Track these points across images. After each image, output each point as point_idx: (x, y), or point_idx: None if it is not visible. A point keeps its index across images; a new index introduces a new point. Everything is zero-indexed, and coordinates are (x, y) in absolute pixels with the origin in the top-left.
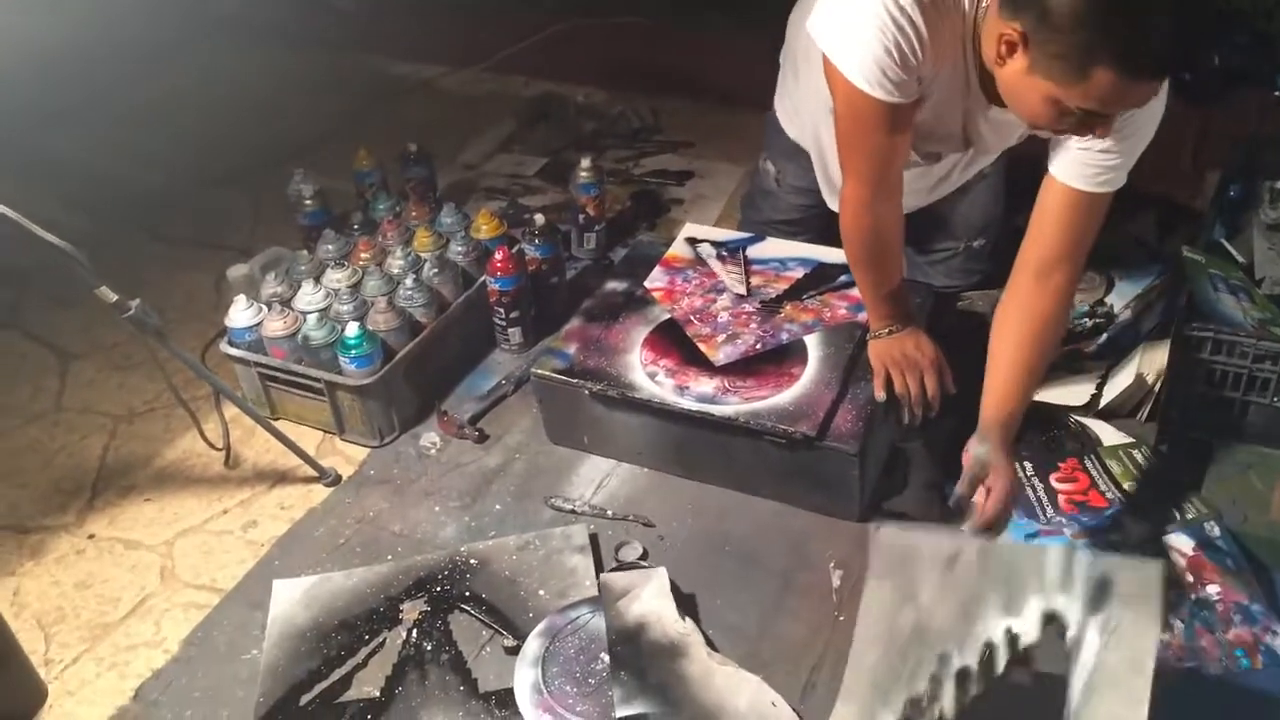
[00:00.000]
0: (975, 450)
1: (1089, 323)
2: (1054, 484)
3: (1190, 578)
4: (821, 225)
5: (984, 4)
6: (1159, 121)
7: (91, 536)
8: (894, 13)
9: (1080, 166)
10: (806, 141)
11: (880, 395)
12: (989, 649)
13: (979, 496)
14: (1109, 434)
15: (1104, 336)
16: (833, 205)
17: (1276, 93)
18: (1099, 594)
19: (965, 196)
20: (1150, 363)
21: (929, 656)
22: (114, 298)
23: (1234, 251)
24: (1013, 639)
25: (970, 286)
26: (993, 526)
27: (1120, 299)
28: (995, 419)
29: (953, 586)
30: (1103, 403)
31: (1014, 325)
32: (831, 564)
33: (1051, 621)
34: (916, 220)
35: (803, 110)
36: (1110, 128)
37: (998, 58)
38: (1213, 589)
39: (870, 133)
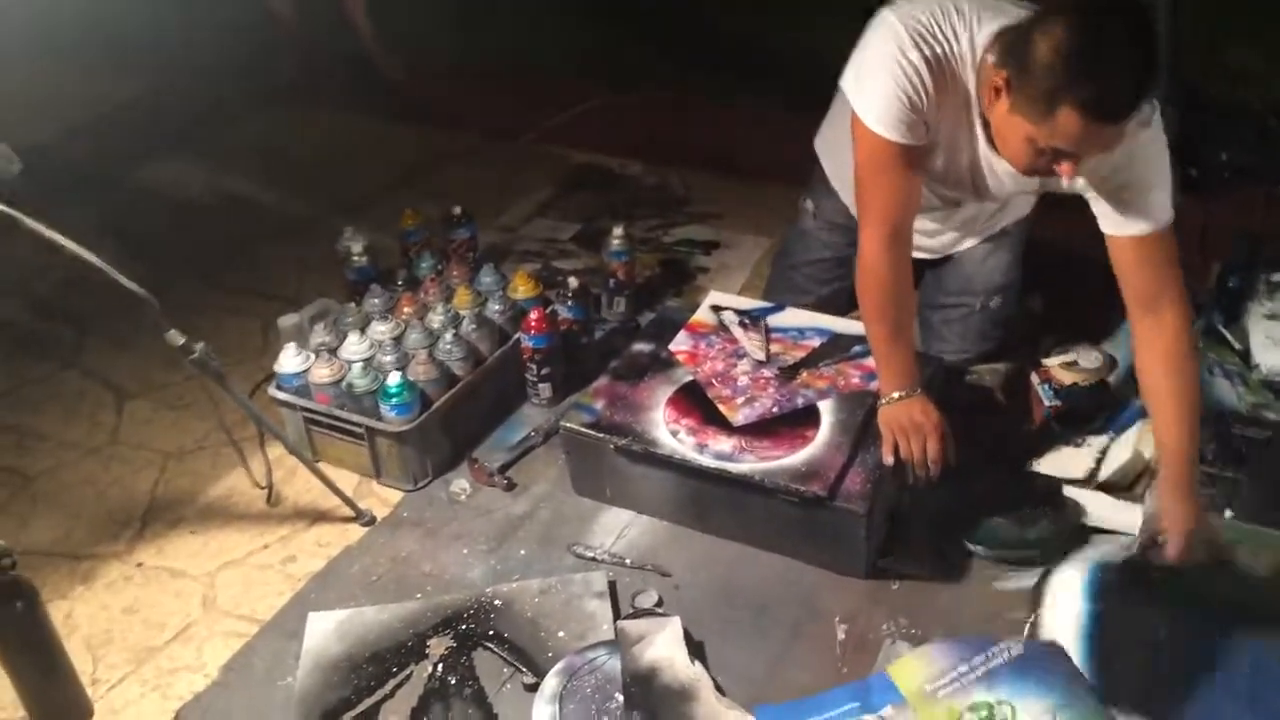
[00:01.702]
0: (1145, 509)
1: (1091, 401)
2: None
3: None
4: (849, 270)
5: (985, 59)
6: (1167, 160)
7: (140, 565)
8: (902, 64)
9: (1118, 217)
10: (839, 178)
11: (888, 460)
12: None
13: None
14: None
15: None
16: None
17: None
18: None
19: (987, 253)
20: (1148, 440)
21: None
22: (181, 341)
23: (1231, 338)
24: None
25: (981, 357)
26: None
27: (1122, 379)
28: (1167, 468)
29: None
30: (1101, 476)
31: (1154, 374)
32: (837, 618)
33: None
34: (937, 270)
35: (838, 145)
36: (1075, 165)
37: (990, 103)
38: None
39: (883, 173)
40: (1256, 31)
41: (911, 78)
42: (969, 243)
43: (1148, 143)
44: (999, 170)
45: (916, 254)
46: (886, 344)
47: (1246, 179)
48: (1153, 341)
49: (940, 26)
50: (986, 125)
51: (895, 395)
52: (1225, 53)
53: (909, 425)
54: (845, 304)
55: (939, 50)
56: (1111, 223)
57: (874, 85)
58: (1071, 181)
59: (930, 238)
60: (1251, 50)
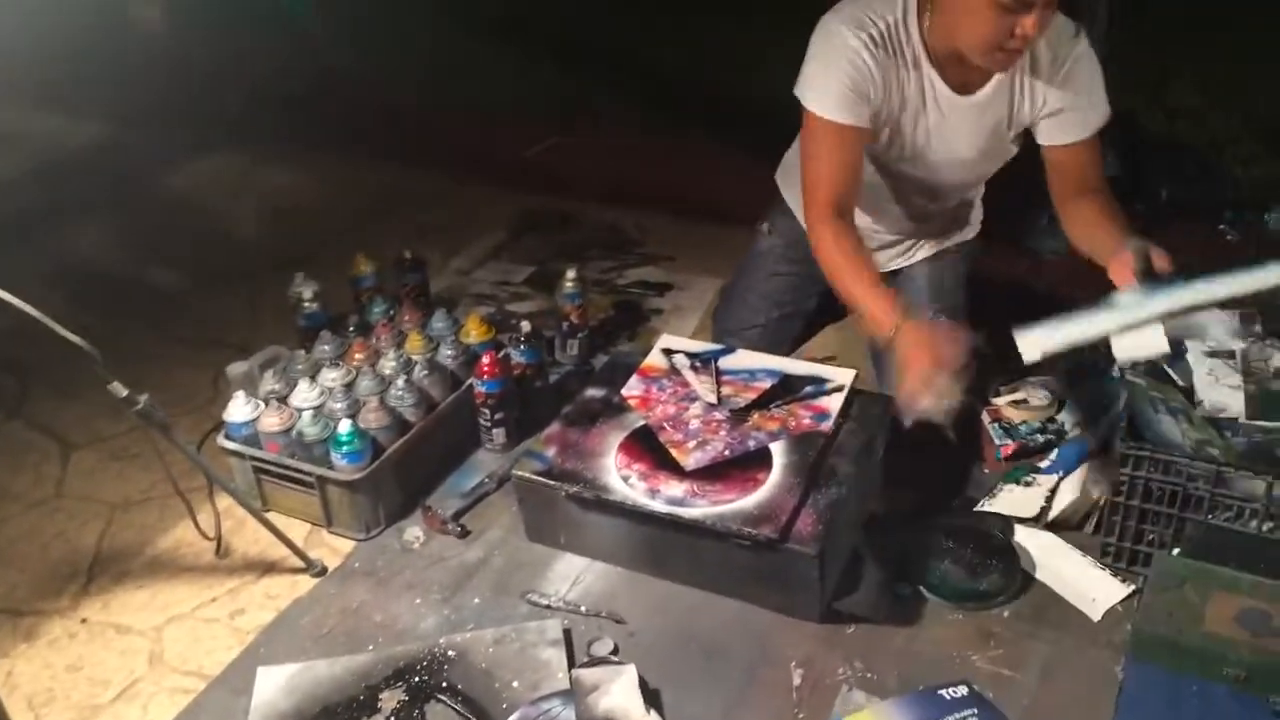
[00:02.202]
0: (1130, 248)
1: (1040, 439)
2: None
3: None
4: (799, 296)
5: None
6: (1098, 71)
7: (84, 621)
8: (843, 50)
9: (1060, 132)
10: (798, 203)
11: (917, 402)
12: None
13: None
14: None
15: (1055, 452)
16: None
17: (1221, 226)
18: None
19: (931, 270)
20: (1095, 478)
21: None
22: (124, 393)
23: (1175, 376)
24: None
25: None
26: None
27: (1070, 416)
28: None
29: None
30: (1051, 515)
31: (1088, 221)
32: (793, 663)
33: None
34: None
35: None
36: (1037, 21)
37: (938, 10)
38: None
39: (825, 150)
40: (1194, 68)
41: (853, 59)
42: (919, 254)
43: (1081, 60)
44: (950, 131)
45: None
46: (869, 290)
47: (1188, 213)
48: (1083, 207)
49: (873, 6)
50: (938, 67)
51: (897, 324)
52: (1164, 89)
53: (932, 339)
54: (798, 330)
55: (879, 27)
56: (1054, 137)
57: (816, 71)
58: (1024, 114)
59: (880, 247)
60: (1189, 86)
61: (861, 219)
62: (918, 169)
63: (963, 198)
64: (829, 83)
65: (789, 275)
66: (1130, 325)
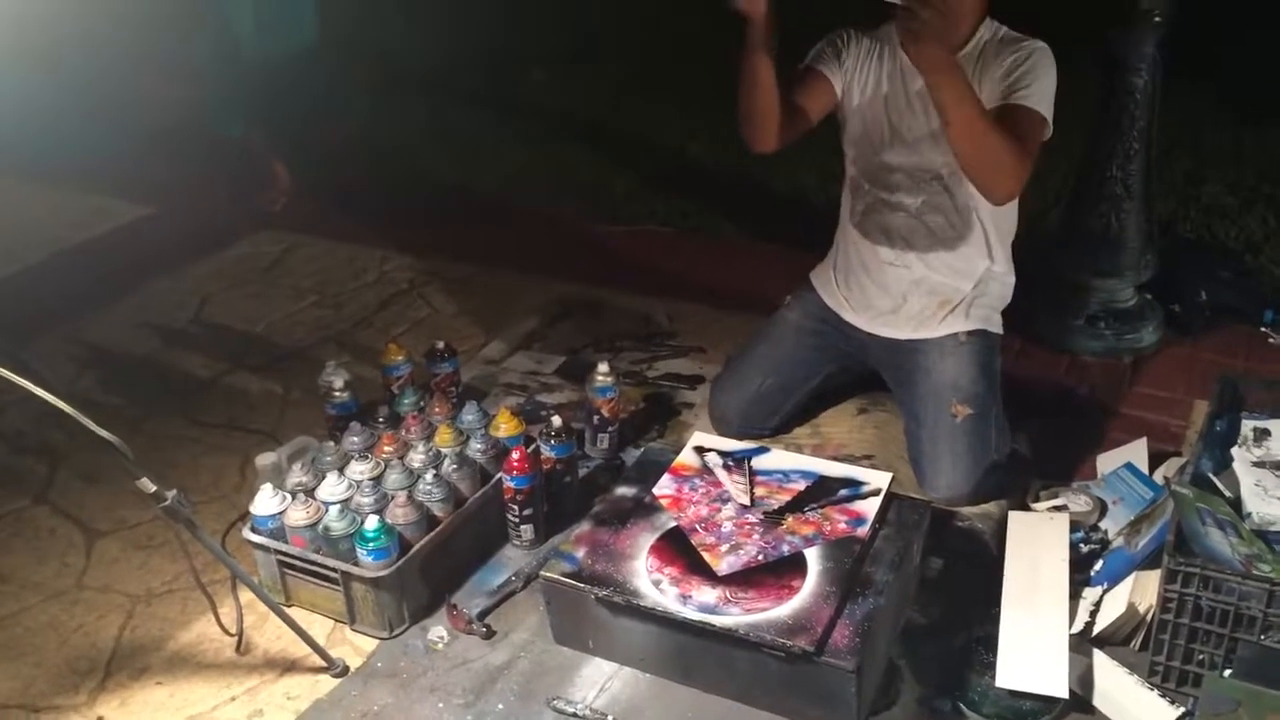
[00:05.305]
0: None
1: (1084, 549)
2: None
3: None
4: (799, 368)
5: None
6: (1051, 78)
7: (100, 719)
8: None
9: (1003, 98)
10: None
11: None
12: None
13: None
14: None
15: (1100, 563)
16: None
17: (1263, 328)
18: None
19: (944, 352)
20: (1142, 592)
21: None
22: (152, 489)
23: (1221, 486)
24: None
25: (972, 499)
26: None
27: (1114, 524)
28: None
29: None
30: (1096, 630)
31: None
32: None
33: None
34: (902, 378)
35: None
36: None
37: None
38: None
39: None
40: (1227, 172)
41: (840, 31)
42: (924, 320)
43: (1039, 59)
44: (913, 90)
45: (879, 331)
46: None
47: (1227, 316)
48: None
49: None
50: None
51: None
52: (1198, 190)
53: None
54: (789, 407)
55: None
56: (997, 100)
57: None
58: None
59: (884, 293)
60: (1223, 188)
61: (867, 254)
62: (899, 154)
63: (954, 204)
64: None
65: (795, 348)
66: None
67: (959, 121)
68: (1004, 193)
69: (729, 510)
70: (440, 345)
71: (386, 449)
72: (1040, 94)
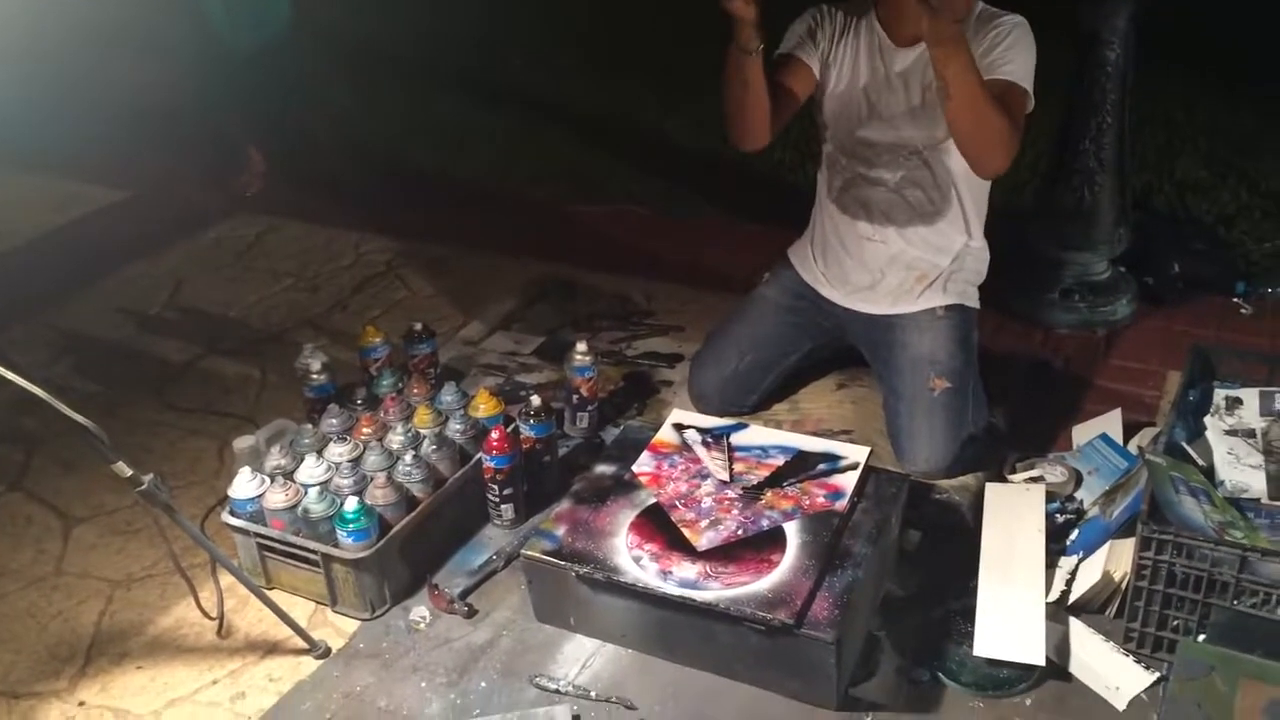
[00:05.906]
0: None
1: (1060, 519)
2: None
3: None
4: (777, 345)
5: None
6: (1031, 56)
7: (82, 704)
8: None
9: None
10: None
11: None
12: None
13: None
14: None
15: (1075, 532)
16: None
17: (1235, 299)
18: None
19: (923, 327)
20: (1117, 560)
21: None
22: (129, 473)
23: (1194, 455)
24: None
25: (949, 472)
26: None
27: (1089, 494)
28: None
29: None
30: (1072, 598)
31: None
32: None
33: None
34: (884, 353)
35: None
36: None
37: None
38: None
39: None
40: (1201, 142)
41: (812, 12)
42: (902, 295)
43: (1019, 34)
44: (896, 80)
45: (857, 306)
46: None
47: (1200, 289)
48: None
49: None
50: (885, 25)
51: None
52: (1172, 163)
53: None
54: (769, 383)
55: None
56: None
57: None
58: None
59: (862, 268)
60: (1196, 160)
61: (847, 227)
62: (877, 130)
63: (934, 179)
64: (791, 27)
65: (774, 325)
66: None
67: (961, 94)
68: (996, 166)
69: (708, 486)
70: (418, 326)
71: (365, 431)
72: (1022, 68)
